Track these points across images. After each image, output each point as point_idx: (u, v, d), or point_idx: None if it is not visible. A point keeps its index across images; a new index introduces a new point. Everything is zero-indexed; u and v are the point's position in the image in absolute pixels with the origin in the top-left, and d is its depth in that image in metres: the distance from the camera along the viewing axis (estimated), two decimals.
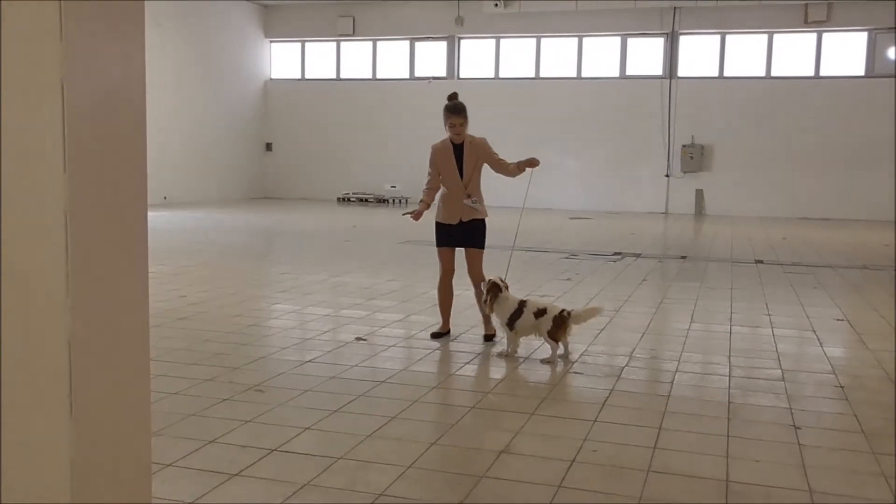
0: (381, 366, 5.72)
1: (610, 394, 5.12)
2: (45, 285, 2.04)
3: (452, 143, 6.40)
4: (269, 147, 25.85)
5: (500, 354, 6.08)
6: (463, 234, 6.49)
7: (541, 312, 5.95)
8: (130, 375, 2.22)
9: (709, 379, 5.62)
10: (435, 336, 6.58)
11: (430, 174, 6.54)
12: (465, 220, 6.45)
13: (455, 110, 6.32)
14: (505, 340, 6.15)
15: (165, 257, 10.90)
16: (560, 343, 5.94)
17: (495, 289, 6.11)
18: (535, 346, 6.25)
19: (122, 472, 2.22)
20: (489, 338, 6.54)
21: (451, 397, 5.17)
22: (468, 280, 6.62)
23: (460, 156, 6.40)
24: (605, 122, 22.72)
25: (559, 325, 5.88)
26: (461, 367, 5.90)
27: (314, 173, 25.29)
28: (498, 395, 5.17)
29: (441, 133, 6.49)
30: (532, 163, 6.34)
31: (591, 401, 4.98)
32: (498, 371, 5.75)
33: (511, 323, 6.01)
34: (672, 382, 5.41)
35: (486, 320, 6.58)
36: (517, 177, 6.50)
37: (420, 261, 10.46)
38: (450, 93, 6.47)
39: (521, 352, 6.10)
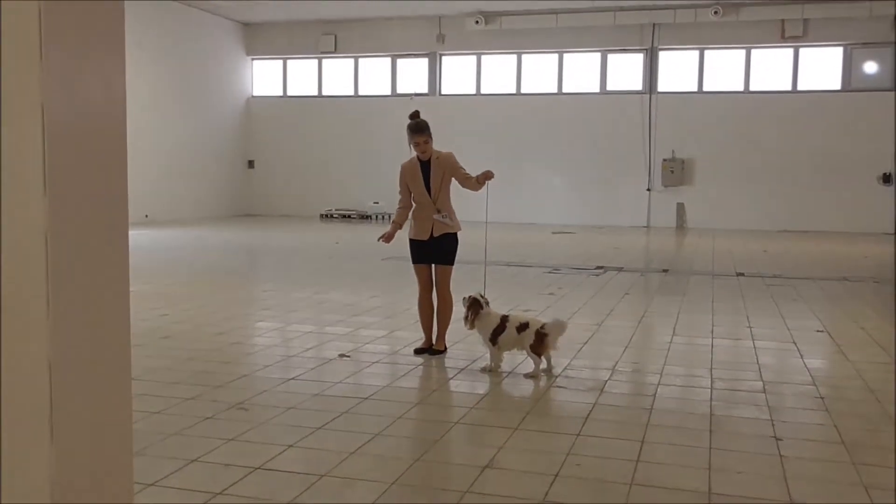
0: (364, 382, 5.71)
1: (593, 407, 5.13)
2: (25, 306, 2.03)
3: (420, 161, 6.46)
4: (251, 164, 25.79)
5: (483, 370, 6.08)
6: (434, 250, 6.53)
7: (523, 327, 5.96)
8: (112, 395, 2.21)
9: (691, 391, 5.65)
10: (418, 352, 6.59)
11: (400, 193, 6.61)
12: (436, 235, 6.49)
13: (418, 129, 6.34)
14: (488, 356, 6.16)
15: (147, 276, 10.84)
16: (543, 357, 5.96)
17: (476, 305, 6.12)
18: (519, 360, 6.26)
19: (104, 493, 2.21)
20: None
21: (434, 413, 5.17)
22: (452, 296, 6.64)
23: (427, 172, 6.44)
24: (587, 136, 22.86)
25: (541, 340, 5.90)
26: (445, 383, 5.90)
27: (296, 190, 25.24)
28: (481, 410, 5.17)
29: None
30: (487, 175, 6.35)
31: (575, 415, 4.99)
32: (481, 386, 5.75)
33: (494, 338, 6.02)
34: (654, 395, 5.43)
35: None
36: (479, 191, 6.53)
37: (403, 277, 10.44)
38: (412, 111, 6.52)
39: (504, 367, 6.12)
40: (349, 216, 24.15)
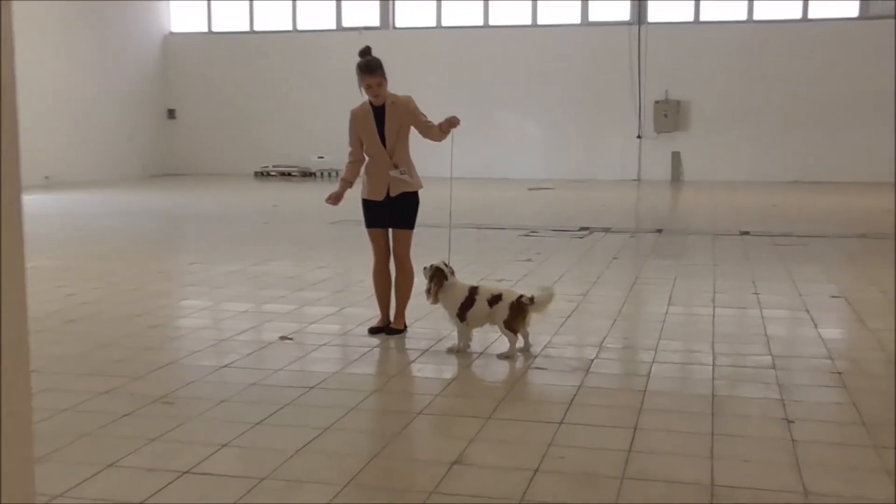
0: (311, 368, 5.70)
1: (578, 391, 5.16)
2: None
3: (372, 107, 6.40)
4: (171, 114, 25.46)
5: (450, 350, 6.09)
6: (391, 212, 6.50)
7: (495, 299, 5.97)
8: (6, 391, 2.17)
9: (690, 370, 5.73)
10: (373, 331, 6.59)
11: (350, 145, 6.57)
12: (393, 194, 6.45)
13: (369, 69, 6.25)
14: (455, 334, 6.17)
15: (50, 249, 10.68)
16: (519, 334, 5.99)
17: (439, 275, 6.11)
18: (492, 338, 6.29)
19: None
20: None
21: (394, 402, 5.18)
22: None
23: (382, 120, 6.39)
24: (567, 76, 22.87)
25: (517, 314, 5.92)
26: (405, 367, 5.91)
27: (226, 144, 24.99)
28: (448, 397, 5.18)
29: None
30: (452, 122, 6.32)
31: (557, 400, 5.02)
32: (448, 370, 5.75)
33: (462, 313, 6.03)
34: (648, 375, 5.48)
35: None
36: (443, 140, 6.49)
37: (355, 244, 10.41)
38: (361, 48, 6.39)
39: (474, 346, 6.14)
40: (289, 174, 24.00)
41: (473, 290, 6.08)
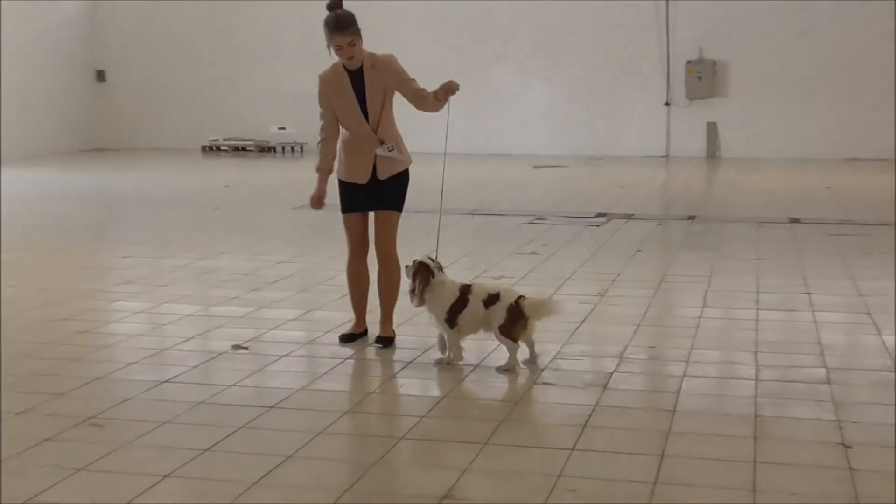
0: (270, 384, 5.70)
1: (593, 411, 5.15)
2: None
3: (347, 71, 6.32)
4: (100, 76, 25.33)
5: (438, 363, 6.07)
6: (376, 194, 6.41)
7: (492, 299, 5.93)
8: None
9: (728, 385, 5.73)
10: (346, 339, 6.55)
11: (322, 117, 6.44)
12: (383, 177, 6.36)
13: (338, 25, 6.09)
14: (443, 342, 6.15)
15: None
16: (523, 343, 5.98)
17: (424, 271, 6.06)
18: (490, 347, 6.26)
19: None
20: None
21: (370, 425, 5.18)
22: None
23: (361, 86, 6.30)
24: (580, 32, 22.81)
25: (517, 317, 5.90)
26: (385, 383, 5.92)
27: (167, 112, 24.88)
28: (437, 419, 5.16)
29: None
30: (450, 88, 6.18)
31: (568, 421, 5.00)
32: (436, 386, 5.76)
33: (452, 318, 5.99)
34: (678, 392, 5.48)
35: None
36: (439, 111, 6.42)
37: (323, 233, 10.39)
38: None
39: (467, 357, 6.11)
40: (244, 148, 23.91)
41: (466, 290, 6.04)
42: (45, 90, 23.56)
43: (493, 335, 6.00)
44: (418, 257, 6.19)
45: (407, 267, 6.21)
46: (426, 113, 6.50)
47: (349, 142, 6.41)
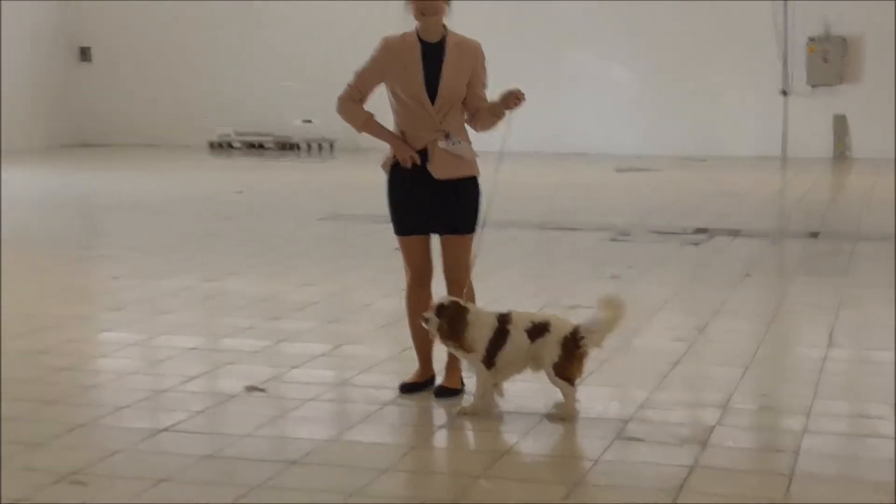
0: (292, 434, 5.78)
1: (690, 473, 5.13)
2: None
3: (421, 41, 6.30)
4: (84, 55, 25.44)
5: (461, 413, 5.99)
6: (441, 206, 6.28)
7: (538, 330, 5.87)
8: None
9: (861, 444, 5.67)
10: (407, 389, 6.41)
11: (358, 76, 6.31)
12: (440, 176, 6.26)
13: None
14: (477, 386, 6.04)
15: None
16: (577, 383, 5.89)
17: (458, 312, 5.90)
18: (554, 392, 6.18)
19: None
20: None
21: (413, 487, 5.20)
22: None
23: (436, 62, 6.25)
24: (673, 5, 22.71)
25: (573, 352, 5.83)
26: (431, 435, 5.92)
27: (167, 100, 25.04)
28: (497, 479, 5.16)
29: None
30: (513, 98, 6.15)
31: (659, 485, 4.99)
32: (496, 439, 5.76)
33: (490, 356, 5.89)
34: (797, 452, 5.42)
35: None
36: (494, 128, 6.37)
37: (353, 249, 10.42)
38: None
39: (533, 402, 6.06)
40: (260, 145, 24.02)
41: (504, 319, 5.93)
42: (17, 72, 23.52)
43: (541, 375, 5.93)
44: (438, 298, 6.08)
45: (427, 320, 5.97)
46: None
47: (402, 126, 6.31)
